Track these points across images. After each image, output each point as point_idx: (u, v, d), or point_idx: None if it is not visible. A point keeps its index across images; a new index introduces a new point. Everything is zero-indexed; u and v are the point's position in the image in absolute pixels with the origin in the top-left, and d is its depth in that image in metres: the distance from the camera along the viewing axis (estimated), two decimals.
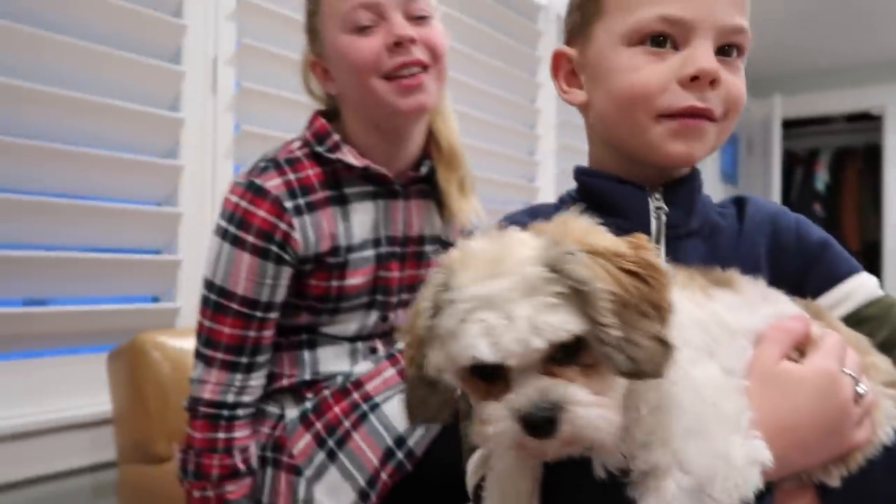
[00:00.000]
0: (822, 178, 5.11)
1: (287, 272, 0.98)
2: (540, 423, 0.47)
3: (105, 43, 1.34)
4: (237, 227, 0.95)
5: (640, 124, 0.71)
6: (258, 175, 0.98)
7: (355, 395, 0.97)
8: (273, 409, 1.02)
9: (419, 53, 0.98)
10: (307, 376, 1.03)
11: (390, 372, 0.99)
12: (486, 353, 0.46)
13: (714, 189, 4.20)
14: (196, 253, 1.50)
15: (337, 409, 0.97)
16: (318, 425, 0.97)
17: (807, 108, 4.82)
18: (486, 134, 2.37)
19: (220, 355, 0.97)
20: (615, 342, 0.47)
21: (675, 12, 0.68)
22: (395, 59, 0.97)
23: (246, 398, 0.98)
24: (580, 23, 0.77)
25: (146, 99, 1.43)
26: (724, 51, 0.71)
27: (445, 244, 1.17)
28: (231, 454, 0.97)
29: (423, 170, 1.09)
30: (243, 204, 0.96)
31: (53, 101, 1.27)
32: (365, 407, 0.95)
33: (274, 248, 0.96)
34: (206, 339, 0.97)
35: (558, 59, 0.80)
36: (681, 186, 0.76)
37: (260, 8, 1.61)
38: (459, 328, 0.48)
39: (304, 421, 0.98)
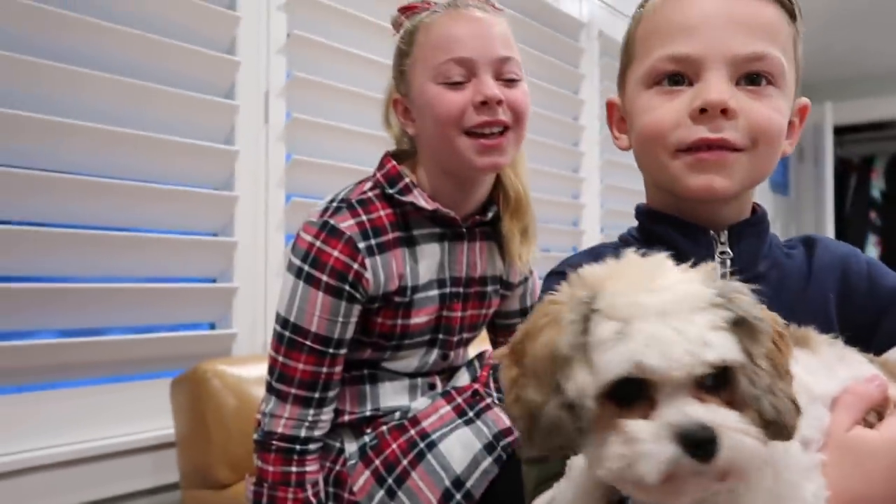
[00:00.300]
0: (877, 186, 4.96)
1: (357, 310, 1.00)
2: (702, 441, 0.43)
3: (162, 82, 1.40)
4: (311, 266, 0.98)
5: (660, 161, 0.72)
6: (332, 215, 1.00)
7: (412, 432, 0.98)
8: (332, 442, 1.04)
9: (503, 115, 1.00)
10: (367, 412, 1.04)
11: (446, 409, 1.00)
12: (654, 361, 0.44)
13: (764, 198, 4.11)
14: (251, 280, 1.55)
15: (395, 446, 0.98)
16: (377, 462, 0.98)
17: (860, 114, 4.69)
18: (530, 152, 2.37)
19: (293, 390, 0.99)
20: (765, 386, 0.46)
21: (682, 50, 0.69)
22: (479, 117, 0.98)
23: (317, 433, 1.00)
24: (619, 72, 0.80)
25: (203, 133, 1.49)
26: (752, 79, 0.70)
27: (506, 285, 1.18)
28: (304, 488, 0.99)
29: (489, 214, 1.10)
30: (318, 244, 0.98)
31: (117, 139, 1.33)
32: (422, 445, 0.97)
33: (347, 288, 0.97)
34: (280, 374, 0.99)
35: (610, 109, 0.83)
36: (746, 229, 0.74)
37: (309, 41, 1.65)
38: (621, 337, 0.45)
39: (364, 457, 1.00)
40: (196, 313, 1.53)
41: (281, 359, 0.99)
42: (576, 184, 2.64)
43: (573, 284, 0.51)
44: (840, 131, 4.77)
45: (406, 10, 1.08)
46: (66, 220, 1.31)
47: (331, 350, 0.99)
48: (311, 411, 0.99)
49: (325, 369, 0.99)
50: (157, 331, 1.46)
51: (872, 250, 4.91)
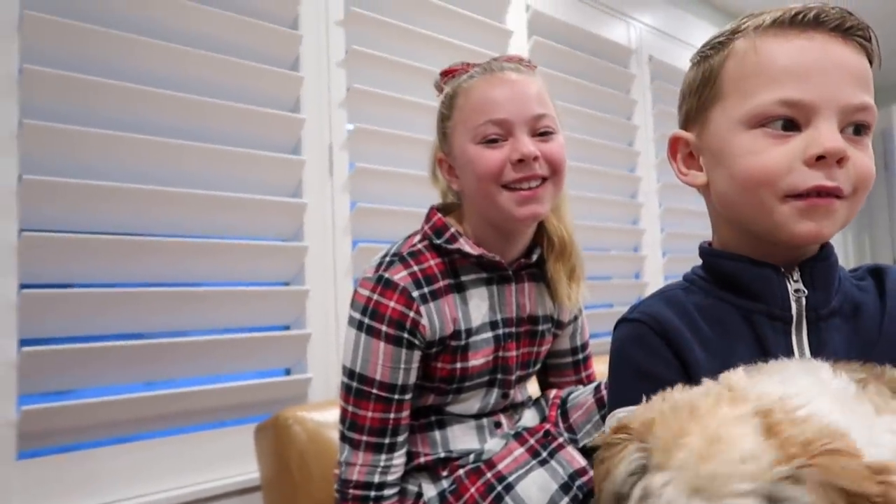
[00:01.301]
0: None
1: (417, 356, 1.04)
2: None
3: (234, 143, 1.50)
4: (371, 318, 1.03)
5: (765, 206, 0.70)
6: (386, 269, 1.05)
7: (488, 475, 1.01)
8: (411, 486, 1.08)
9: (539, 168, 1.04)
10: (442, 454, 1.08)
11: (520, 451, 1.02)
12: None
13: None
14: (322, 326, 1.61)
15: (473, 490, 1.01)
16: None
17: None
18: (588, 181, 2.39)
19: (364, 437, 1.03)
20: None
21: (796, 95, 0.68)
22: (517, 174, 1.04)
23: (390, 477, 1.04)
24: (697, 107, 0.78)
25: (272, 188, 1.57)
26: (856, 129, 0.70)
27: (558, 324, 1.21)
28: None
29: (534, 257, 1.15)
30: (375, 297, 1.03)
31: (196, 199, 1.42)
32: (499, 487, 0.99)
33: (406, 335, 1.02)
34: (351, 423, 1.04)
35: (675, 144, 0.82)
36: (818, 265, 0.74)
37: (367, 94, 1.73)
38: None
39: (443, 501, 1.03)
40: (272, 360, 1.60)
41: (351, 408, 1.04)
42: (634, 209, 2.63)
43: (632, 437, 0.51)
44: None
45: (446, 74, 1.15)
46: (142, 278, 1.40)
47: (396, 396, 1.03)
48: (384, 456, 1.03)
49: (392, 415, 1.03)
50: (237, 379, 1.53)
51: None
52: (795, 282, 0.73)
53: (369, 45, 1.75)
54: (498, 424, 1.13)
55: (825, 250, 0.76)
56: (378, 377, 1.02)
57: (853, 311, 0.74)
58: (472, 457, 1.07)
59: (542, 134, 1.06)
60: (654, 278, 2.65)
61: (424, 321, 1.03)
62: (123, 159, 1.36)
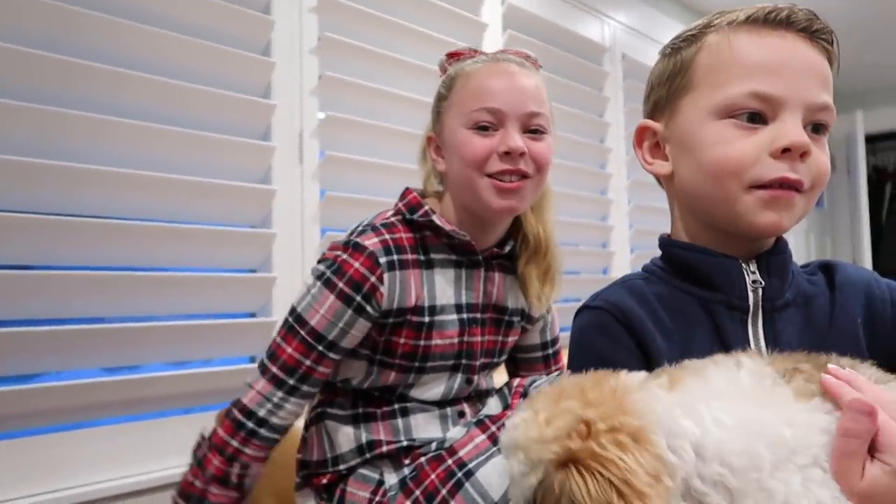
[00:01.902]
0: None
1: (363, 323, 1.04)
2: None
3: (202, 127, 1.48)
4: (332, 272, 1.04)
5: (731, 195, 0.72)
6: (357, 236, 1.07)
7: (449, 462, 1.01)
8: (372, 473, 1.08)
9: (524, 165, 1.05)
10: (404, 442, 1.08)
11: (481, 438, 1.03)
12: None
13: None
14: None
15: (433, 476, 1.01)
16: (418, 492, 1.01)
17: (892, 121, 4.64)
18: (559, 176, 2.41)
19: (274, 369, 1.04)
20: None
21: (766, 89, 0.70)
22: (501, 165, 1.05)
23: (275, 420, 1.05)
24: (666, 97, 0.79)
25: (241, 174, 1.55)
26: (815, 127, 0.73)
27: (528, 318, 1.22)
28: (231, 463, 1.04)
29: (506, 249, 1.16)
30: (343, 256, 1.05)
31: (161, 183, 1.40)
32: (459, 474, 1.00)
33: (358, 299, 1.03)
34: (271, 352, 1.05)
35: (641, 133, 0.83)
36: (774, 258, 0.76)
37: (339, 82, 1.72)
38: None
39: (404, 488, 1.03)
40: (238, 347, 1.59)
41: (278, 340, 1.05)
42: (604, 206, 2.66)
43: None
44: (873, 139, 4.72)
45: (452, 56, 1.16)
46: (108, 262, 1.37)
47: (321, 347, 1.03)
48: (280, 394, 1.03)
49: (308, 362, 1.03)
50: (197, 366, 1.51)
51: None
52: (753, 273, 0.75)
53: (343, 32, 1.74)
54: (461, 414, 1.14)
55: (780, 244, 0.78)
56: (313, 323, 1.03)
57: (805, 304, 0.77)
58: (433, 444, 1.07)
59: (534, 132, 1.07)
60: (622, 273, 2.67)
61: (383, 289, 1.04)
62: (89, 140, 1.34)
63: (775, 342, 0.73)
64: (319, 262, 1.08)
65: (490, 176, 1.05)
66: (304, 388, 1.05)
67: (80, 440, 1.33)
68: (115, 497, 1.34)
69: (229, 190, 1.51)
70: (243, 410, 1.05)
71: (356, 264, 1.03)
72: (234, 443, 1.04)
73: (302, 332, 1.03)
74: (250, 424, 1.04)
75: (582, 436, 0.51)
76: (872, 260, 4.46)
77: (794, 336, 0.74)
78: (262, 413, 1.04)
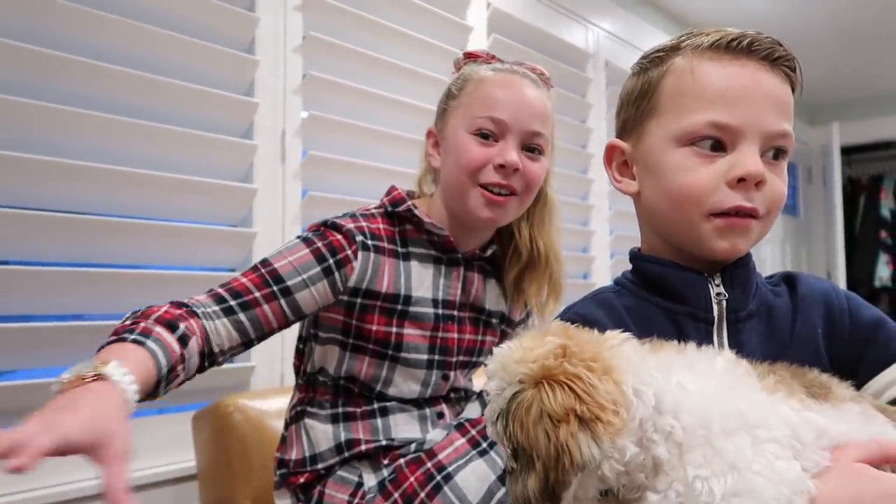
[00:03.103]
0: (887, 205, 4.97)
1: (323, 289, 1.04)
2: None
3: (184, 124, 1.46)
4: (315, 235, 1.06)
5: (692, 221, 0.74)
6: (337, 219, 1.09)
7: (429, 465, 1.01)
8: (351, 475, 1.07)
9: (515, 181, 1.07)
10: (382, 442, 1.08)
11: (461, 441, 1.03)
12: None
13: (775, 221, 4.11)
14: None
15: (412, 479, 1.01)
16: (396, 495, 1.01)
17: (868, 133, 4.72)
18: None
19: (220, 288, 0.99)
20: None
21: (724, 119, 0.72)
22: (494, 177, 1.07)
23: (204, 319, 0.94)
24: (634, 118, 0.81)
25: (222, 172, 1.54)
26: (773, 154, 0.75)
27: (509, 321, 1.24)
28: (147, 317, 0.89)
29: (488, 252, 1.17)
30: (324, 228, 1.07)
31: (141, 178, 1.38)
32: (438, 477, 1.00)
33: (331, 261, 1.04)
34: (226, 281, 1.02)
35: (611, 151, 0.84)
36: (738, 270, 0.78)
37: (324, 81, 1.71)
38: None
39: (383, 490, 1.03)
40: None
41: (237, 274, 1.04)
42: (585, 211, 2.67)
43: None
44: (848, 151, 4.80)
45: (470, 56, 1.18)
46: (86, 258, 1.35)
47: (274, 287, 1.00)
48: (215, 307, 0.96)
49: (256, 294, 1.00)
50: None
51: (884, 269, 4.91)
52: (717, 285, 0.77)
53: (328, 32, 1.74)
54: (440, 415, 1.14)
55: (744, 257, 0.80)
56: (275, 264, 1.02)
57: (768, 314, 0.79)
58: (413, 446, 1.07)
59: (531, 150, 1.09)
60: (602, 279, 2.70)
61: (356, 264, 1.05)
62: (68, 134, 1.31)
63: (739, 352, 0.74)
64: (305, 229, 1.10)
65: (481, 185, 1.07)
66: (242, 316, 0.97)
67: None
68: (93, 497, 1.31)
69: (210, 187, 1.50)
70: (178, 304, 0.94)
71: (337, 236, 1.06)
72: (175, 311, 0.91)
73: (262, 270, 1.02)
74: (185, 306, 0.94)
75: (558, 357, 0.57)
76: (846, 270, 4.55)
77: (758, 345, 0.76)
78: (199, 311, 0.94)
